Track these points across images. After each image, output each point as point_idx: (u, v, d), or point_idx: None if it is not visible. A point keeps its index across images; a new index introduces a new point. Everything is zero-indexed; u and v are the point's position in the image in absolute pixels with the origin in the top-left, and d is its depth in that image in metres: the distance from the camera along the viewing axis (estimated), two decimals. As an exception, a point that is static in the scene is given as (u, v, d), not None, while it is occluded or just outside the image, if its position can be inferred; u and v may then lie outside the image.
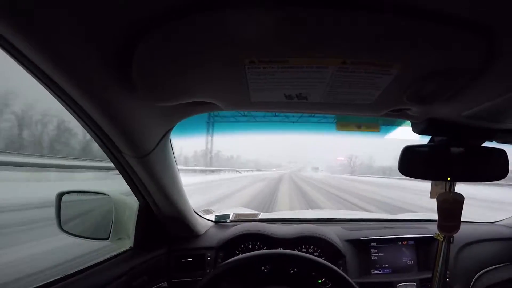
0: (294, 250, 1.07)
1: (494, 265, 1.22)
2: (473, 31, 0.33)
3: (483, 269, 1.20)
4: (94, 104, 0.48)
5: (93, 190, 0.96)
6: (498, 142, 0.74)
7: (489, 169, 0.72)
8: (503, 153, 0.71)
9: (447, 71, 0.41)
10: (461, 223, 0.79)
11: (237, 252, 1.10)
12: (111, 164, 0.74)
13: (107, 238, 0.90)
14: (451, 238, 0.81)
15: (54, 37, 0.35)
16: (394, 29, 0.34)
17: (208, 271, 1.05)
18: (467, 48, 0.37)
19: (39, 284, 0.65)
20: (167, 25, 0.34)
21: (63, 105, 0.50)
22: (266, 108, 0.63)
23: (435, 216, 0.81)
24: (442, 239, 0.82)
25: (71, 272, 0.74)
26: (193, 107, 0.64)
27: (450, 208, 0.79)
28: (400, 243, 1.19)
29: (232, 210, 1.37)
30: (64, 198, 0.90)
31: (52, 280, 0.69)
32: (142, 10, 0.33)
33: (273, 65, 0.41)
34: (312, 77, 0.45)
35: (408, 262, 1.16)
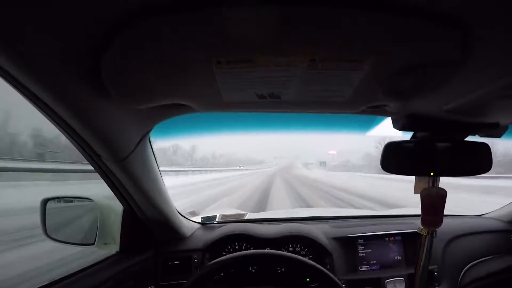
0: (281, 250, 1.09)
1: (482, 258, 1.23)
2: (446, 23, 0.33)
3: (471, 262, 1.21)
4: (68, 109, 0.48)
5: (77, 196, 0.97)
6: (481, 136, 0.74)
7: (472, 163, 0.72)
8: (486, 147, 0.72)
9: (423, 64, 0.41)
10: (449, 216, 0.80)
11: (223, 253, 1.10)
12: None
13: (93, 244, 0.90)
14: (434, 232, 0.83)
15: (23, 45, 0.35)
16: (362, 23, 0.33)
17: (194, 273, 1.05)
18: (441, 40, 0.36)
19: None
20: (129, 29, 0.34)
21: (40, 112, 0.50)
22: (240, 108, 0.63)
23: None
24: (425, 234, 0.83)
25: (57, 278, 0.75)
26: (169, 109, 0.64)
27: (433, 203, 0.79)
28: (387, 239, 1.19)
29: (218, 211, 1.37)
30: (49, 204, 0.91)
31: (38, 286, 0.70)
32: (104, 15, 0.33)
33: (241, 64, 0.41)
34: (282, 75, 0.44)
35: (396, 258, 1.17)
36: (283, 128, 1.13)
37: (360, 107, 0.60)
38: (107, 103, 0.51)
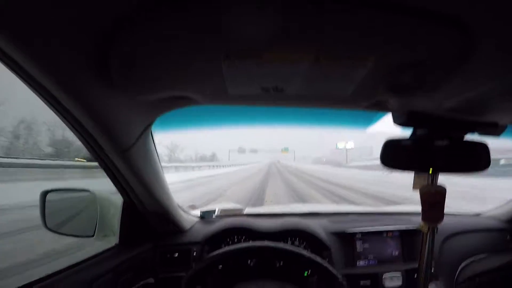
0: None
1: (478, 255, 1.24)
2: (446, 22, 0.33)
3: (468, 259, 1.22)
4: (74, 99, 0.48)
5: (77, 188, 0.97)
6: (480, 135, 0.74)
7: (471, 161, 0.73)
8: (484, 146, 0.72)
9: (423, 62, 0.42)
10: (447, 215, 0.80)
11: (223, 246, 1.11)
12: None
13: (93, 235, 0.90)
14: (436, 229, 0.83)
15: (32, 32, 0.35)
16: (364, 22, 0.34)
17: (193, 265, 1.06)
18: (443, 41, 0.37)
19: (25, 283, 0.66)
20: (141, 18, 0.35)
21: (45, 103, 0.50)
22: (244, 101, 0.65)
23: (419, 209, 0.82)
24: (426, 230, 0.83)
25: (58, 269, 0.75)
26: (172, 101, 0.65)
27: (432, 199, 0.79)
28: (385, 235, 1.20)
29: (217, 206, 1.38)
30: (49, 196, 0.91)
31: (39, 277, 0.70)
32: (112, 8, 0.33)
33: (248, 59, 0.43)
34: (286, 71, 0.46)
35: (393, 254, 1.18)
36: (279, 121, 1.10)
37: (362, 102, 0.62)
38: (112, 94, 0.51)
